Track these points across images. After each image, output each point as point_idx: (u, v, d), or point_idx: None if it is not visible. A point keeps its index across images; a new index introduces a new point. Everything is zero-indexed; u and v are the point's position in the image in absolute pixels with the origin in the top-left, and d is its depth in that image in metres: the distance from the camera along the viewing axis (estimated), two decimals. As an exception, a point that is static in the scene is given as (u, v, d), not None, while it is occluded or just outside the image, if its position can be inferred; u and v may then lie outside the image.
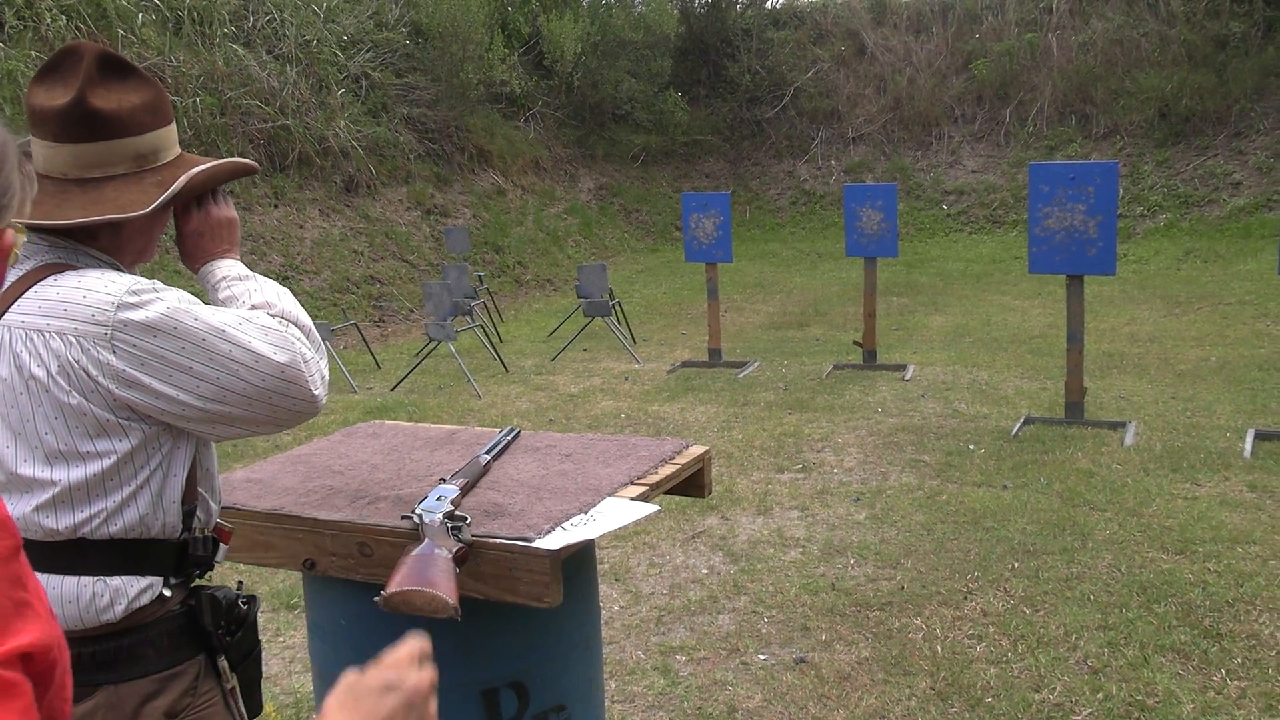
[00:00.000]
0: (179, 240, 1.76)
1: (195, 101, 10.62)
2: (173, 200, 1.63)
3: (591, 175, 17.48)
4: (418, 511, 2.00)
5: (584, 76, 17.06)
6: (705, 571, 4.42)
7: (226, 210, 1.75)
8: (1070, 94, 16.84)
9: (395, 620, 2.12)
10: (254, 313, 1.61)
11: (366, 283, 11.52)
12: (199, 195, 1.73)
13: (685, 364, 8.76)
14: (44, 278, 1.55)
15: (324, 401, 1.63)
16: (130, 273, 1.67)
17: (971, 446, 5.97)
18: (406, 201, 13.36)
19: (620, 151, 18.16)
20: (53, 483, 1.54)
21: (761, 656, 3.66)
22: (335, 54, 13.06)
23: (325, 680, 2.27)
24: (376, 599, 1.73)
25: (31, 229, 1.63)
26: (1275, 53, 15.28)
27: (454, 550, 1.85)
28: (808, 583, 4.24)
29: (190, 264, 1.72)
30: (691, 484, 2.44)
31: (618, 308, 9.73)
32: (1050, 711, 3.21)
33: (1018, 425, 6.28)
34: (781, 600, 4.09)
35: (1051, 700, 3.27)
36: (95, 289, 1.51)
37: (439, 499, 2.06)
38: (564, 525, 2.00)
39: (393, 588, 1.71)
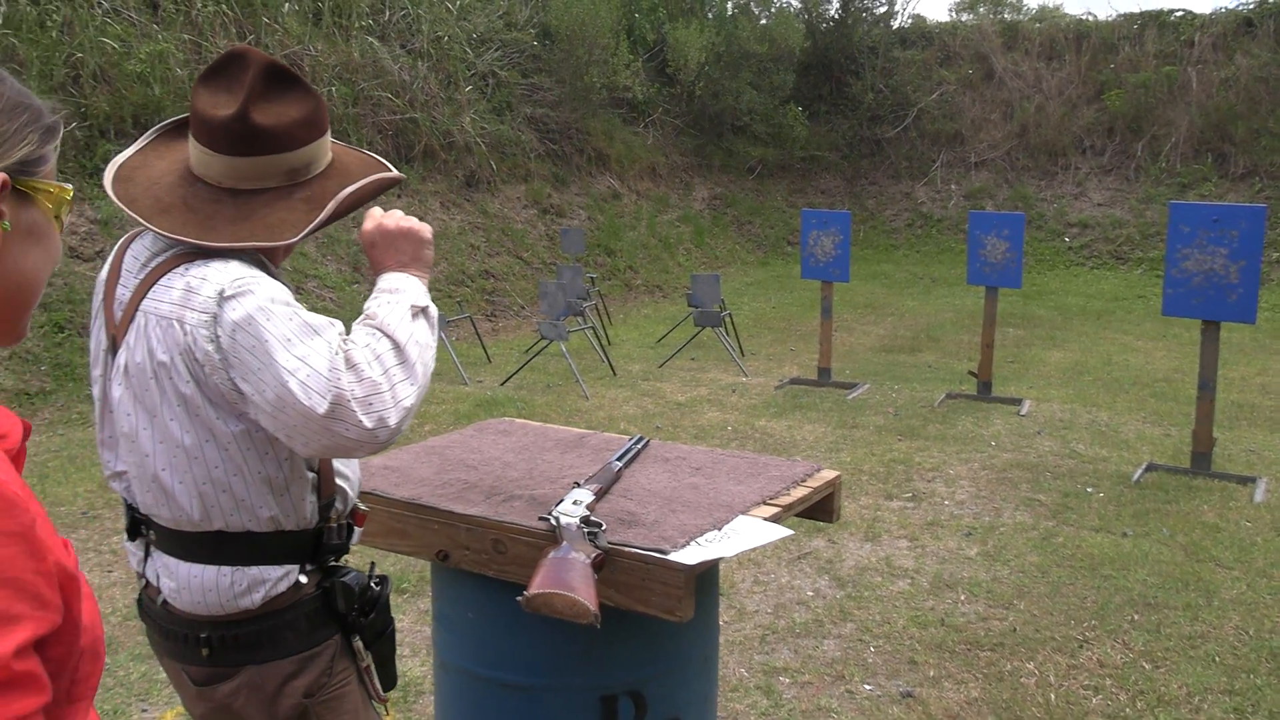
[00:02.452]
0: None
1: (331, 91, 10.92)
2: (318, 229, 1.65)
3: (706, 185, 17.47)
4: (555, 514, 2.01)
5: (706, 86, 17.06)
6: (811, 594, 4.36)
7: (402, 223, 1.72)
8: (1208, 131, 16.23)
9: (521, 618, 2.13)
10: (336, 337, 1.52)
11: (481, 277, 11.70)
12: (380, 190, 1.75)
13: (794, 381, 8.67)
14: (179, 265, 1.59)
15: (387, 434, 1.50)
16: (269, 264, 1.70)
17: (1090, 489, 5.79)
18: (524, 199, 13.53)
19: (737, 163, 18.11)
20: (183, 471, 1.59)
21: (867, 686, 3.59)
22: (465, 51, 13.30)
23: (447, 670, 2.29)
24: (519, 599, 1.74)
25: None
26: None
27: (592, 556, 1.85)
28: (916, 615, 4.15)
29: (372, 274, 1.74)
30: (821, 508, 2.41)
31: (728, 319, 9.69)
32: (1171, 774, 3.08)
33: (1139, 471, 6.06)
34: (889, 631, 4.01)
35: (1172, 762, 3.14)
36: (210, 279, 1.54)
37: (575, 503, 2.07)
38: (698, 540, 1.99)
39: (535, 589, 1.72)
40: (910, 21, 20.36)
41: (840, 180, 19.01)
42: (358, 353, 1.51)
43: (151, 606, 1.73)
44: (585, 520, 1.98)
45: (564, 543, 1.87)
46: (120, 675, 3.66)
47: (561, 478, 2.32)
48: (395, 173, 1.76)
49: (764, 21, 18.64)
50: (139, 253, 1.66)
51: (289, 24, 11.01)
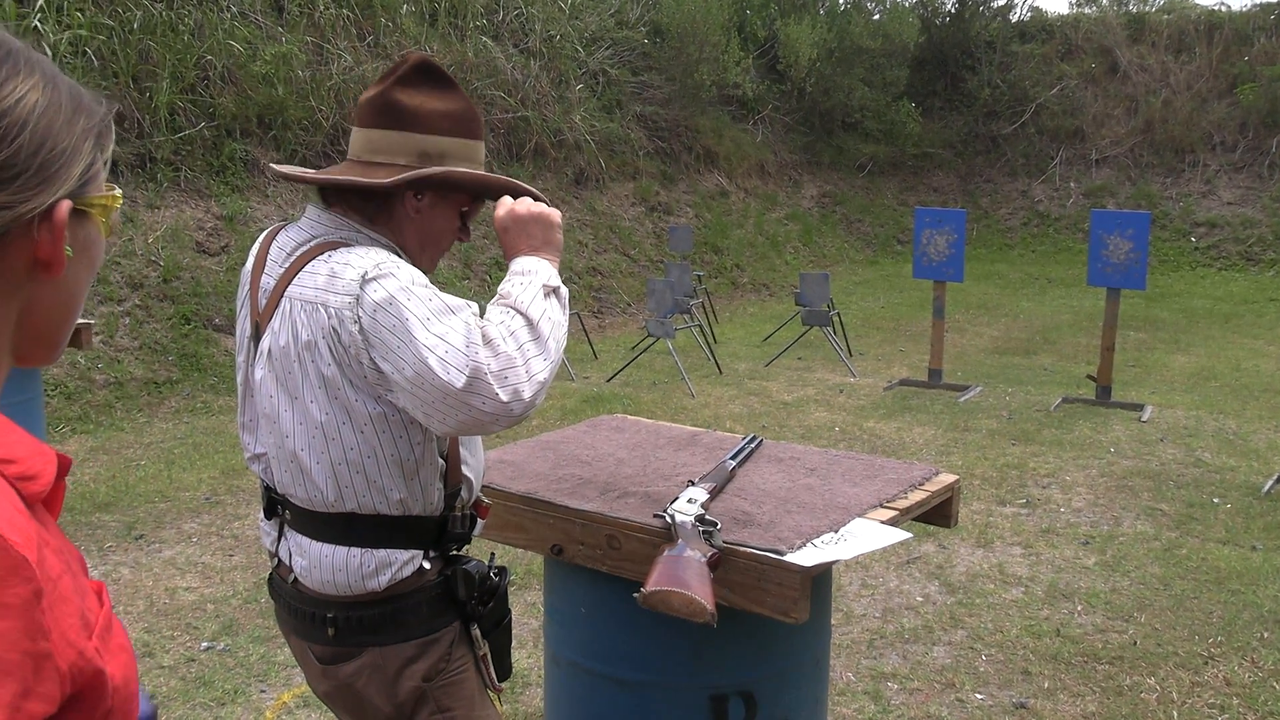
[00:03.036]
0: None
1: (446, 90, 11.13)
2: (411, 183, 1.68)
3: (815, 182, 17.30)
4: (670, 511, 2.02)
5: (817, 83, 16.89)
6: (920, 599, 4.28)
7: (535, 208, 1.76)
8: (1349, 126, 15.44)
9: (634, 614, 2.15)
10: (471, 316, 1.56)
11: (589, 274, 11.80)
12: (510, 193, 1.79)
13: (903, 382, 8.53)
14: (323, 253, 1.65)
15: (522, 408, 1.53)
16: (414, 259, 1.76)
17: (1216, 500, 5.56)
18: (632, 197, 13.60)
19: (847, 160, 17.89)
20: (320, 452, 1.64)
21: (978, 696, 3.51)
22: (576, 50, 13.43)
23: (558, 664, 2.32)
24: (635, 595, 1.75)
25: (328, 203, 1.75)
26: None
27: (708, 555, 1.86)
28: (1030, 625, 4.05)
29: (506, 258, 1.78)
30: (938, 513, 2.37)
31: (836, 318, 9.59)
32: (1303, 800, 2.94)
33: (1270, 482, 5.80)
34: (1001, 640, 3.92)
35: (1305, 788, 3.00)
36: (353, 264, 1.59)
37: (690, 501, 2.07)
38: (815, 542, 1.97)
39: (651, 586, 1.73)
40: (1030, 15, 19.84)
41: (954, 178, 18.62)
42: (493, 329, 1.55)
43: (282, 585, 1.79)
44: (700, 519, 1.98)
45: (680, 540, 1.88)
46: (241, 656, 3.79)
47: (675, 475, 2.33)
48: (526, 185, 1.81)
49: (877, 17, 18.37)
50: (285, 244, 1.73)
51: (406, 25, 11.27)
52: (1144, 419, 7.33)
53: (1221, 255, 15.38)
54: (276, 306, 1.66)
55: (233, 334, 8.21)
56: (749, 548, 1.91)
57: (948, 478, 2.37)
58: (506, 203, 1.77)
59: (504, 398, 1.51)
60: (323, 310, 1.59)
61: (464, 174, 1.71)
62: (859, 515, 2.11)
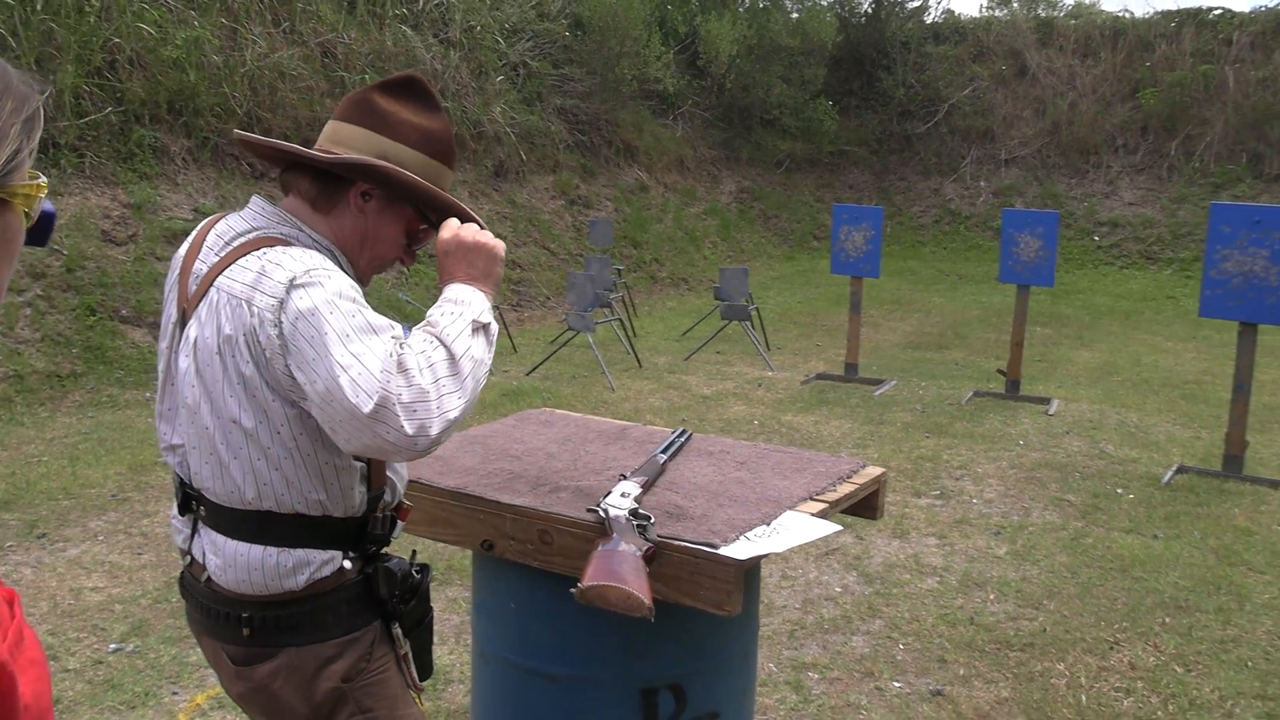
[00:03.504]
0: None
1: (363, 78, 10.96)
2: (355, 171, 1.65)
3: (734, 178, 17.44)
4: (603, 506, 2.02)
5: (736, 79, 17.02)
6: (839, 590, 4.36)
7: (478, 237, 1.72)
8: (1244, 131, 16.07)
9: (565, 609, 2.15)
10: (392, 340, 1.52)
11: (508, 267, 11.72)
12: (457, 216, 1.77)
13: (820, 376, 8.66)
14: (259, 248, 1.62)
15: (427, 443, 1.48)
16: (352, 259, 1.74)
17: (1119, 490, 5.76)
18: (551, 190, 13.55)
19: (765, 156, 18.06)
20: (238, 448, 1.61)
21: (896, 684, 3.59)
22: (497, 41, 13.32)
23: (486, 660, 2.31)
24: (573, 590, 1.75)
25: (286, 191, 1.72)
26: None
27: (643, 549, 1.87)
28: (945, 613, 4.15)
29: (439, 283, 1.76)
30: (866, 505, 2.41)
31: (755, 313, 9.68)
32: (1204, 779, 3.07)
33: (1170, 473, 6.03)
34: (918, 629, 4.01)
35: (1205, 767, 3.13)
36: (285, 265, 1.56)
37: (622, 495, 2.08)
38: (747, 535, 1.99)
39: (588, 581, 1.73)
40: (943, 16, 20.25)
41: (869, 175, 18.94)
42: (411, 358, 1.51)
43: (195, 584, 1.74)
44: (634, 513, 1.99)
45: (614, 535, 1.88)
46: (151, 658, 3.70)
47: (606, 470, 2.33)
48: (466, 210, 1.78)
49: (796, 15, 18.57)
50: (224, 231, 1.69)
51: (323, 11, 11.06)
52: (1050, 412, 7.56)
53: (1123, 254, 15.90)
54: (205, 295, 1.62)
55: (140, 325, 7.98)
56: (683, 541, 1.93)
57: (874, 470, 2.42)
58: (453, 225, 1.73)
59: (409, 430, 1.46)
60: (246, 308, 1.56)
61: (407, 176, 1.68)
62: (790, 508, 2.14)
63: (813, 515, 2.12)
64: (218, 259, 1.64)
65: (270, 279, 1.55)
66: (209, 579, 1.69)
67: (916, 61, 19.15)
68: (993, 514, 5.35)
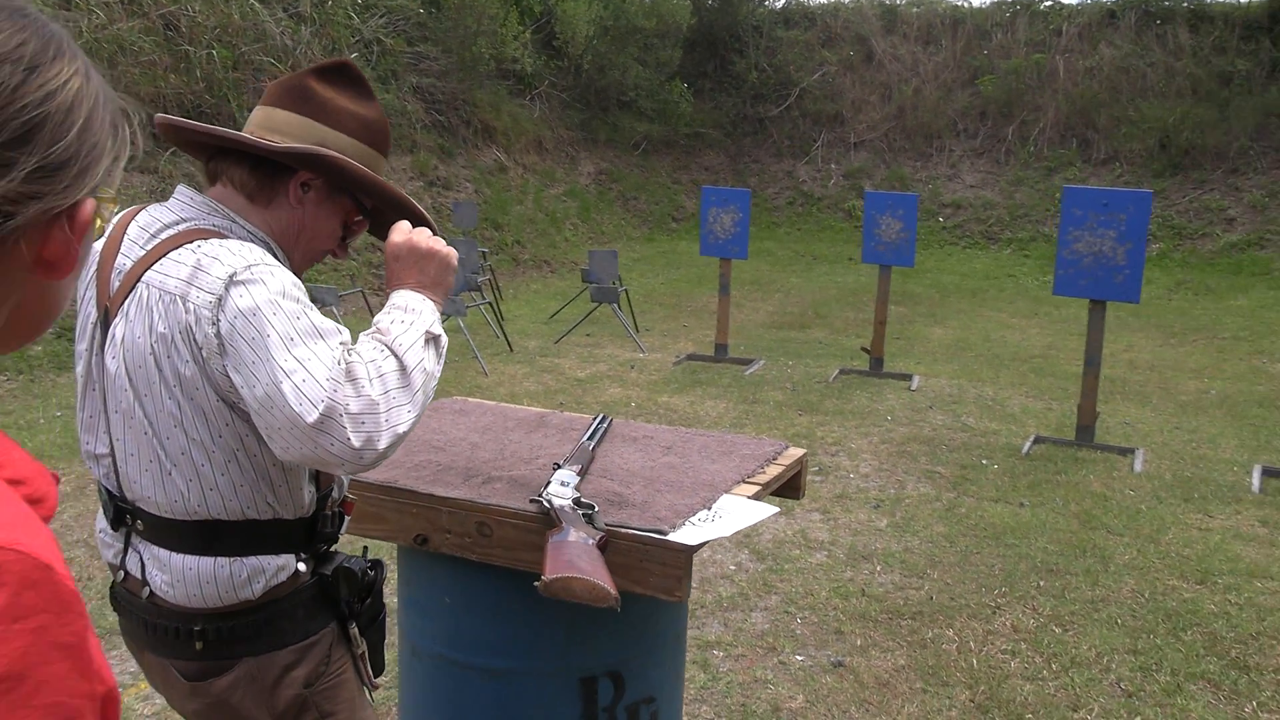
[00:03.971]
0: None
1: (209, 54, 10.47)
2: (302, 161, 1.59)
3: (592, 159, 17.42)
4: (546, 496, 1.99)
5: (593, 60, 16.99)
6: (733, 568, 4.43)
7: (432, 244, 1.66)
8: (1073, 117, 16.97)
9: (501, 601, 2.13)
10: (340, 346, 1.46)
11: (368, 250, 11.43)
12: (409, 215, 1.71)
13: (690, 357, 8.76)
14: (192, 241, 1.53)
15: (374, 457, 1.42)
16: (287, 252, 1.66)
17: (985, 461, 6.03)
18: (410, 171, 13.25)
19: (622, 138, 18.10)
20: (179, 454, 1.53)
21: (799, 657, 3.68)
22: (350, 16, 12.93)
23: (418, 657, 2.26)
24: (536, 584, 1.72)
25: (213, 179, 1.63)
26: (1278, 92, 15.48)
27: (596, 538, 1.85)
28: (837, 586, 4.27)
29: (386, 286, 1.69)
30: (790, 486, 2.45)
31: (625, 295, 9.72)
32: (1090, 732, 3.25)
33: (1028, 444, 6.34)
34: (813, 602, 4.12)
35: (1090, 721, 3.31)
36: (223, 260, 1.48)
37: (562, 484, 2.06)
38: (691, 520, 2.00)
39: (551, 574, 1.70)
40: (792, 2, 20.63)
41: (724, 157, 19.21)
42: (360, 367, 1.44)
43: (133, 600, 1.63)
44: (578, 502, 1.97)
45: (564, 525, 1.86)
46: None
47: (535, 459, 2.30)
48: (421, 210, 1.73)
49: (650, -4, 18.64)
50: (148, 224, 1.58)
51: (164, -18, 10.50)
52: (913, 388, 7.85)
53: (966, 234, 16.60)
54: (131, 292, 1.52)
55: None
56: (631, 529, 1.92)
57: (796, 452, 2.46)
58: (405, 229, 1.66)
59: (356, 443, 1.39)
60: (181, 304, 1.47)
61: (360, 170, 1.62)
62: (726, 492, 2.15)
63: (748, 498, 2.14)
64: (144, 253, 1.54)
65: (207, 274, 1.46)
66: (152, 595, 1.60)
67: (768, 46, 19.49)
68: (870, 488, 5.53)
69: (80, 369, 1.63)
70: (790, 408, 7.19)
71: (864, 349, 8.43)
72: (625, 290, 9.86)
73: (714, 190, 8.63)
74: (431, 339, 1.56)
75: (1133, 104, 16.44)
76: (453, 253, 1.68)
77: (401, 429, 1.45)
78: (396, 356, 1.48)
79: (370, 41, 13.27)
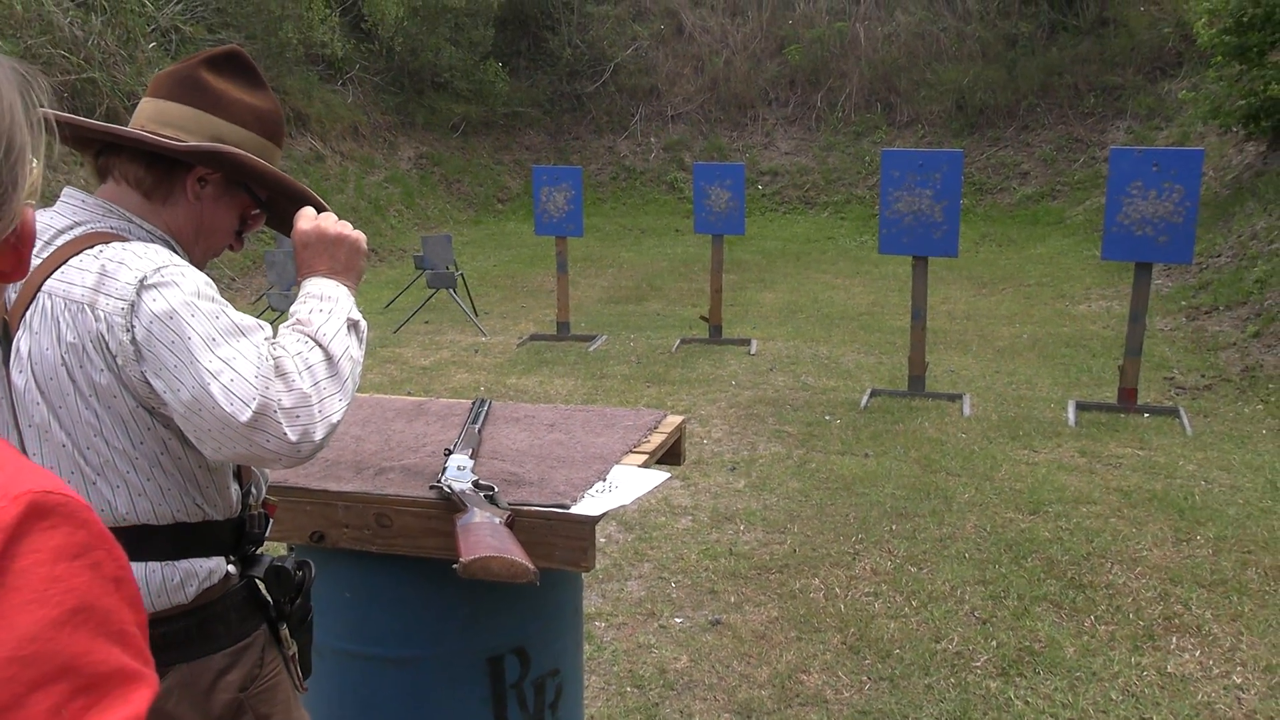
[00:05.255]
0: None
1: (-10, 48, 9.75)
2: (201, 158, 1.56)
3: (411, 144, 17.10)
4: (445, 481, 2.00)
5: (404, 42, 16.63)
6: (603, 540, 4.50)
7: (341, 229, 1.64)
8: (876, 83, 17.69)
9: (403, 591, 2.14)
10: (264, 341, 1.45)
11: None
12: (310, 204, 1.68)
13: (534, 337, 8.77)
14: (92, 245, 1.49)
15: (311, 449, 1.43)
16: (186, 250, 1.62)
17: (828, 417, 6.29)
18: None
19: (440, 120, 17.82)
20: (102, 462, 1.49)
21: (678, 620, 3.79)
22: (143, 4, 12.24)
23: (322, 655, 2.22)
24: (455, 567, 1.74)
25: (103, 178, 1.57)
26: (1058, 53, 16.54)
27: (503, 517, 1.88)
28: (705, 548, 4.40)
29: (296, 275, 1.66)
30: (671, 453, 2.53)
31: (461, 279, 9.63)
32: (953, 660, 3.48)
33: (865, 397, 6.65)
34: (684, 566, 4.24)
35: (952, 649, 3.54)
36: (130, 264, 1.45)
37: (459, 469, 2.07)
38: (589, 493, 2.05)
39: (469, 556, 1.72)
40: (600, -23, 20.68)
41: (544, 136, 19.16)
42: (288, 361, 1.43)
43: None
44: (477, 484, 1.99)
45: (470, 508, 1.88)
46: None
47: (423, 447, 2.30)
48: (320, 200, 1.70)
49: (457, -26, 18.35)
50: (40, 230, 1.50)
51: (-69, -29, 9.70)
52: (752, 352, 8.09)
53: (785, 200, 17.12)
54: (32, 302, 1.46)
55: None
56: (534, 505, 1.96)
57: (675, 419, 2.54)
58: (310, 215, 1.64)
59: (293, 437, 1.40)
60: (90, 312, 1.43)
61: (261, 164, 1.59)
62: (617, 463, 2.21)
63: (638, 467, 2.20)
64: (40, 261, 1.48)
65: (115, 279, 1.43)
66: None
67: (580, 22, 19.51)
68: (724, 452, 5.69)
69: None
70: (637, 380, 7.31)
71: (702, 317, 8.63)
72: (461, 274, 9.77)
73: (545, 169, 8.63)
74: (352, 325, 1.57)
75: (929, 68, 17.26)
76: (361, 236, 1.68)
77: (335, 418, 1.47)
78: (321, 346, 1.49)
79: (167, 30, 12.62)
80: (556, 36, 19.31)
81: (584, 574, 4.06)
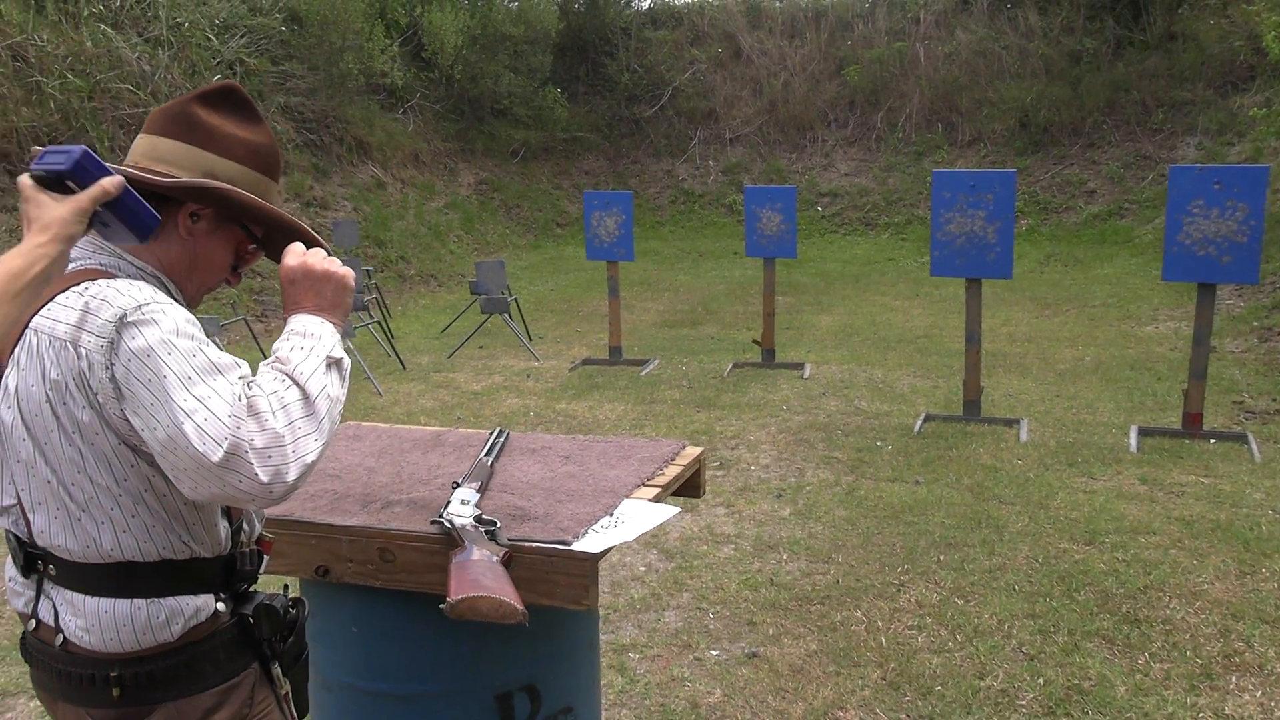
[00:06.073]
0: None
1: (61, 84, 10.06)
2: (191, 194, 1.56)
3: (471, 170, 17.28)
4: (446, 516, 1.97)
5: (464, 70, 16.85)
6: (644, 569, 4.44)
7: (328, 266, 1.62)
8: (937, 102, 17.48)
9: (410, 626, 2.10)
10: (239, 380, 1.43)
11: (248, 276, 11.13)
12: (301, 239, 1.67)
13: (586, 361, 8.76)
14: (80, 283, 1.50)
15: (284, 490, 1.40)
16: (180, 284, 1.61)
17: (879, 443, 6.17)
18: (284, 192, 12.95)
19: (500, 146, 18.00)
20: (87, 498, 1.49)
21: (714, 652, 3.71)
22: (208, 38, 12.57)
23: (329, 690, 2.20)
24: (442, 606, 1.70)
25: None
26: (1124, 69, 16.20)
27: (499, 554, 1.84)
28: (746, 578, 4.31)
29: (284, 312, 1.65)
30: (690, 485, 2.47)
31: (514, 304, 9.66)
32: (996, 698, 3.36)
33: (919, 422, 6.51)
34: (724, 596, 4.15)
35: (996, 687, 3.42)
36: (111, 301, 1.45)
37: (462, 503, 2.03)
38: (594, 528, 2.00)
39: (456, 595, 1.69)
40: (658, 2, 20.80)
41: (603, 160, 19.25)
42: (262, 400, 1.42)
43: (45, 648, 1.58)
44: (479, 519, 1.95)
45: (468, 545, 1.84)
46: None
47: (434, 479, 2.27)
48: (314, 235, 1.70)
49: (515, 3, 18.56)
50: None
51: (7, 10, 10.05)
52: (806, 376, 7.98)
53: (845, 222, 16.96)
54: (20, 339, 1.47)
55: None
56: (534, 542, 1.91)
57: (693, 450, 2.48)
58: (298, 251, 1.63)
59: (264, 478, 1.38)
60: (73, 350, 1.43)
61: (250, 199, 1.59)
62: (626, 496, 2.16)
63: (649, 501, 2.15)
64: None
65: (97, 317, 1.43)
66: (65, 642, 1.54)
67: (638, 47, 19.62)
68: (771, 478, 5.60)
69: None
70: (688, 405, 7.24)
71: (755, 341, 8.54)
72: (515, 299, 9.81)
73: (596, 194, 8.64)
74: (333, 363, 1.55)
75: (991, 86, 17.02)
76: (349, 273, 1.66)
77: (310, 458, 1.44)
78: (299, 385, 1.47)
79: (233, 62, 12.93)
80: (614, 61, 19.42)
81: (605, 606, 4.01)
